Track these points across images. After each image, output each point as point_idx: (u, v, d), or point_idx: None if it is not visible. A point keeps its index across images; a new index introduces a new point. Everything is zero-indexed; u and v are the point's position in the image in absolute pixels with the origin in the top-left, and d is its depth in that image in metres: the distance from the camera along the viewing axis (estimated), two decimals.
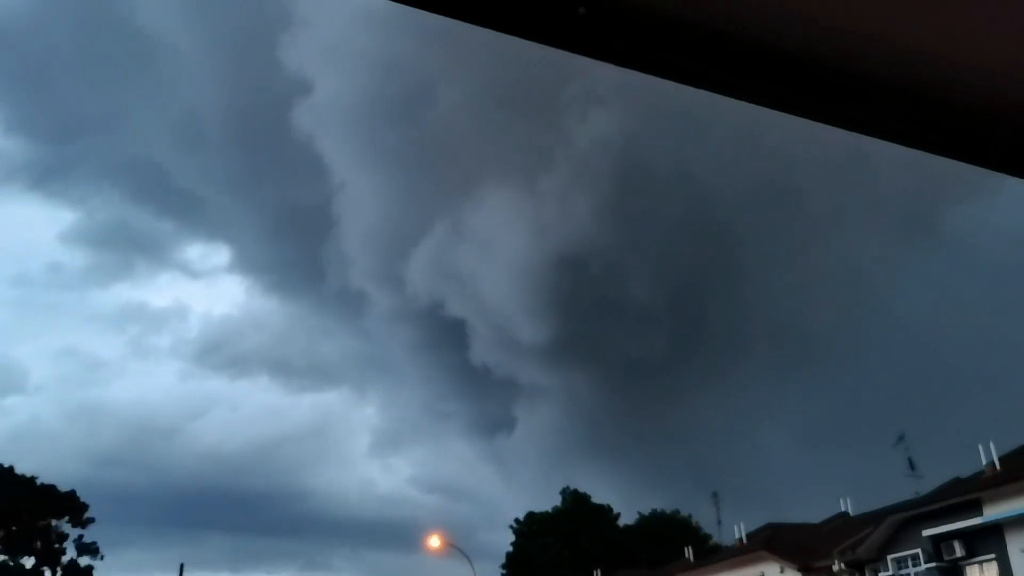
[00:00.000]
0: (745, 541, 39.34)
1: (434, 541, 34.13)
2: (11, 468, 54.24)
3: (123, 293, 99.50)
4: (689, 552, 45.94)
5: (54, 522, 55.16)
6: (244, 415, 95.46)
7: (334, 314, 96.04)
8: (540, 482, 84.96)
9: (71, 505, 55.85)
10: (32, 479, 54.80)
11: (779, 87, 1.52)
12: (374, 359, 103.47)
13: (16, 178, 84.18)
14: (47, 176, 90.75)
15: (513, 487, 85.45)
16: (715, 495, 57.24)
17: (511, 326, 78.13)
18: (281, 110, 76.40)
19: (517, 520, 62.98)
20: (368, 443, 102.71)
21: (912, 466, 34.65)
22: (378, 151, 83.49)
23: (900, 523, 29.22)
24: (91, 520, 56.34)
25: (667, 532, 60.32)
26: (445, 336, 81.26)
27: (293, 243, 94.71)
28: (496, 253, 79.10)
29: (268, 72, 75.77)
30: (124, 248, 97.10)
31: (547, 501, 64.86)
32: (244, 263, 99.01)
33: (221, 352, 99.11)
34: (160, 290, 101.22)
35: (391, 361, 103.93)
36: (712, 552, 48.67)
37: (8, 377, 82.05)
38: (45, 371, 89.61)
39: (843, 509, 39.44)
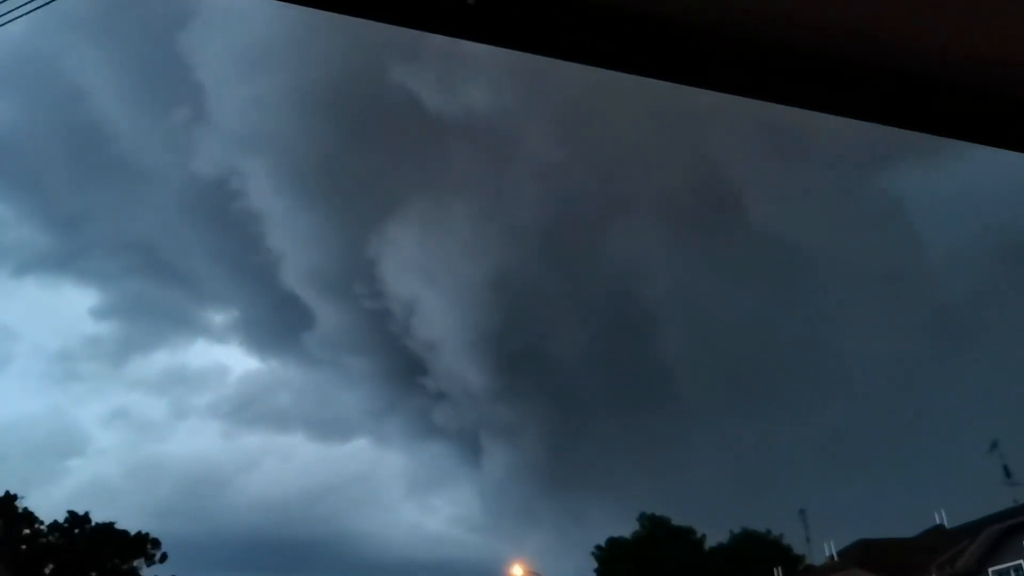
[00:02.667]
0: (836, 559, 38.13)
1: (516, 571, 34.10)
2: (87, 515, 57.81)
3: (161, 360, 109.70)
4: (779, 572, 44.65)
5: (135, 563, 58.56)
6: (288, 467, 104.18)
7: (329, 366, 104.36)
8: (552, 505, 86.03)
9: (146, 545, 59.21)
10: (110, 525, 58.18)
11: (768, 79, 1.49)
12: (380, 404, 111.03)
13: (43, 263, 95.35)
14: (67, 260, 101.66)
15: (531, 515, 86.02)
16: (802, 512, 55.46)
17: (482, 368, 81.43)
18: (228, 175, 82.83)
19: (599, 546, 62.43)
20: (404, 486, 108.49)
21: (1008, 474, 32.96)
22: (324, 202, 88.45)
23: (1000, 534, 27.97)
24: (165, 555, 59.58)
25: (756, 552, 58.65)
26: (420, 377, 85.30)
27: (280, 302, 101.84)
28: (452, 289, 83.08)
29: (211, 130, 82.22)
30: (151, 318, 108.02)
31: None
32: (250, 324, 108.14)
33: (252, 409, 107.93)
34: (192, 355, 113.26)
35: (391, 404, 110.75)
36: (803, 572, 47.19)
37: (69, 442, 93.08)
38: (101, 434, 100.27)
39: (938, 522, 37.82)
